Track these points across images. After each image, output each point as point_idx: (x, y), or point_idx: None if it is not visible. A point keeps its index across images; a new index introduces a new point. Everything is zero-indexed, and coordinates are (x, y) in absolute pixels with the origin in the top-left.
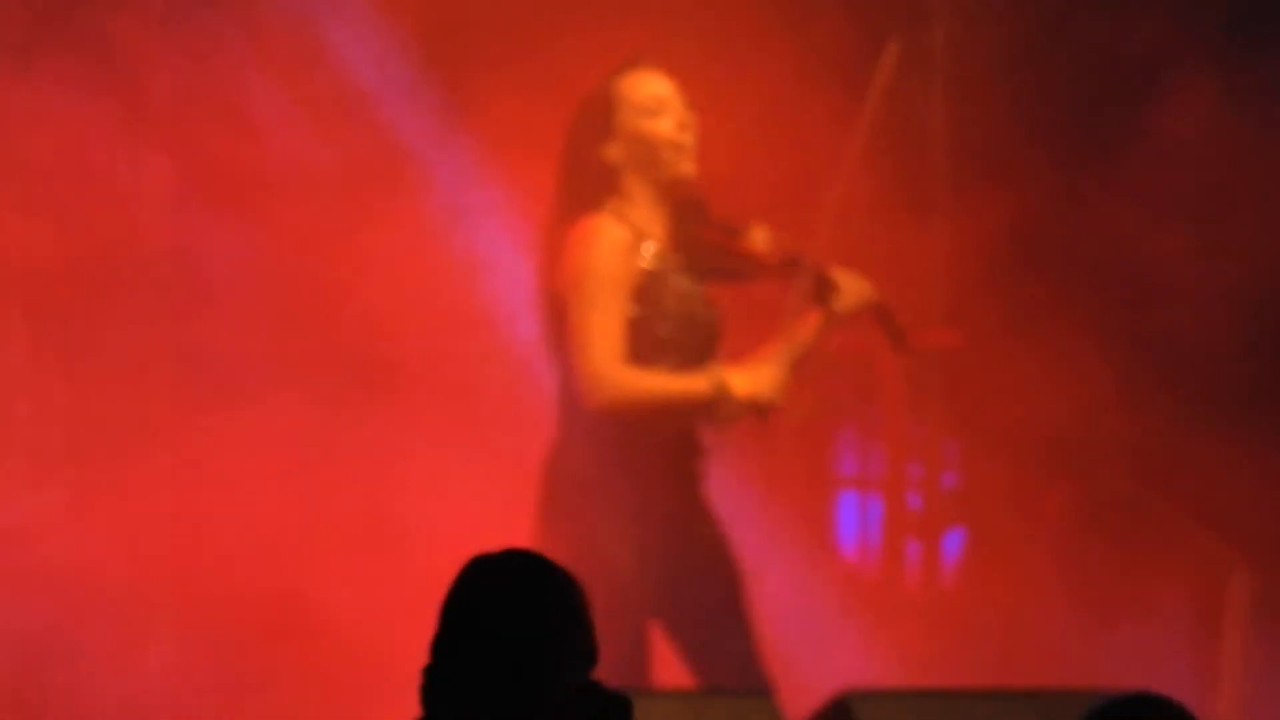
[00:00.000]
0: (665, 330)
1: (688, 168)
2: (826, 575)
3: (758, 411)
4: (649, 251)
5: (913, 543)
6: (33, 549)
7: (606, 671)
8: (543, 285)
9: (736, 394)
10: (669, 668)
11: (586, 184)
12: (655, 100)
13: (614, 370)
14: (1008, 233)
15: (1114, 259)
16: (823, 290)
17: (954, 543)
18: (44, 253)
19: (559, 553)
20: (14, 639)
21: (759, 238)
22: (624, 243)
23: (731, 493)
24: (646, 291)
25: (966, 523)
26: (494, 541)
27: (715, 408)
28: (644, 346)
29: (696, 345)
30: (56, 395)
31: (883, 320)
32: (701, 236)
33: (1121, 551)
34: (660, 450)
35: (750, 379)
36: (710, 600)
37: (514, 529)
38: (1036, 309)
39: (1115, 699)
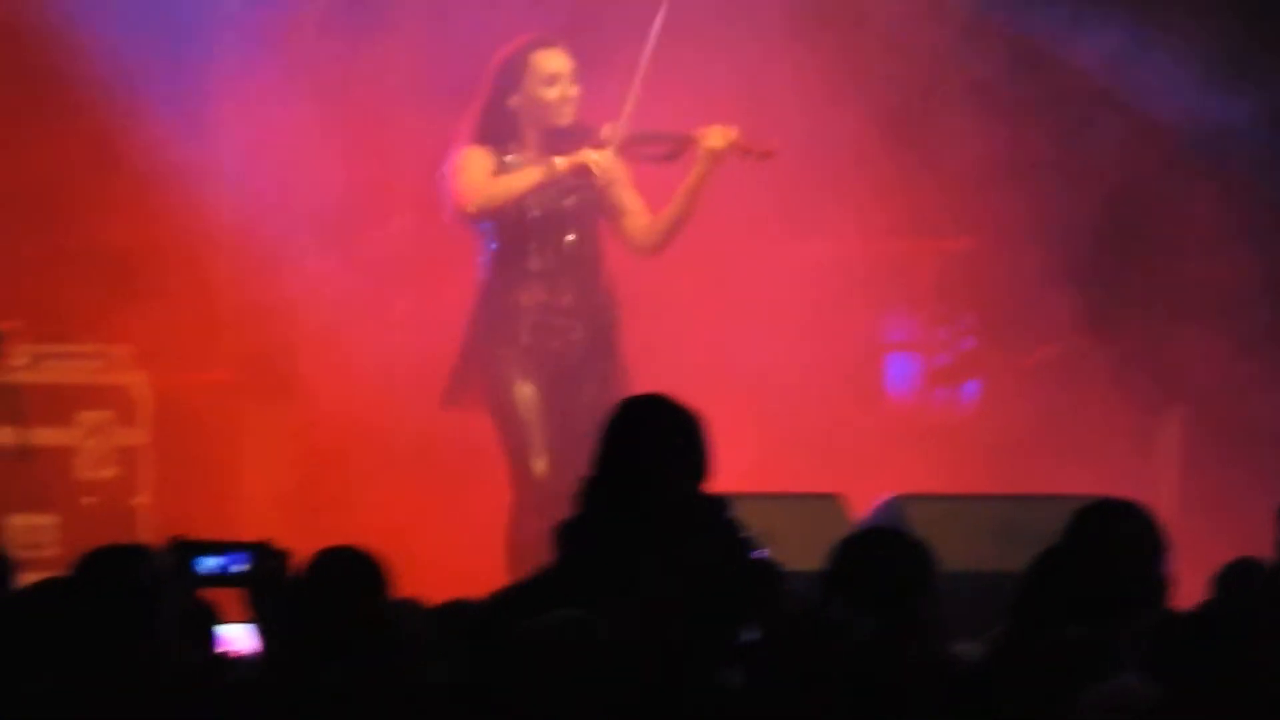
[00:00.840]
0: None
1: (564, 120)
2: (879, 412)
3: (585, 169)
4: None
5: (941, 389)
6: None
7: None
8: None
9: (559, 166)
10: None
11: (495, 120)
12: (552, 75)
13: (474, 187)
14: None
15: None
16: (683, 146)
17: (971, 389)
18: None
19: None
20: None
21: (603, 133)
22: (482, 152)
23: (812, 355)
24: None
25: (980, 375)
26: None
27: (549, 176)
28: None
29: (552, 216)
30: None
31: (746, 151)
32: (566, 150)
33: (1080, 390)
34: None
35: (571, 157)
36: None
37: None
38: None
39: (1095, 502)
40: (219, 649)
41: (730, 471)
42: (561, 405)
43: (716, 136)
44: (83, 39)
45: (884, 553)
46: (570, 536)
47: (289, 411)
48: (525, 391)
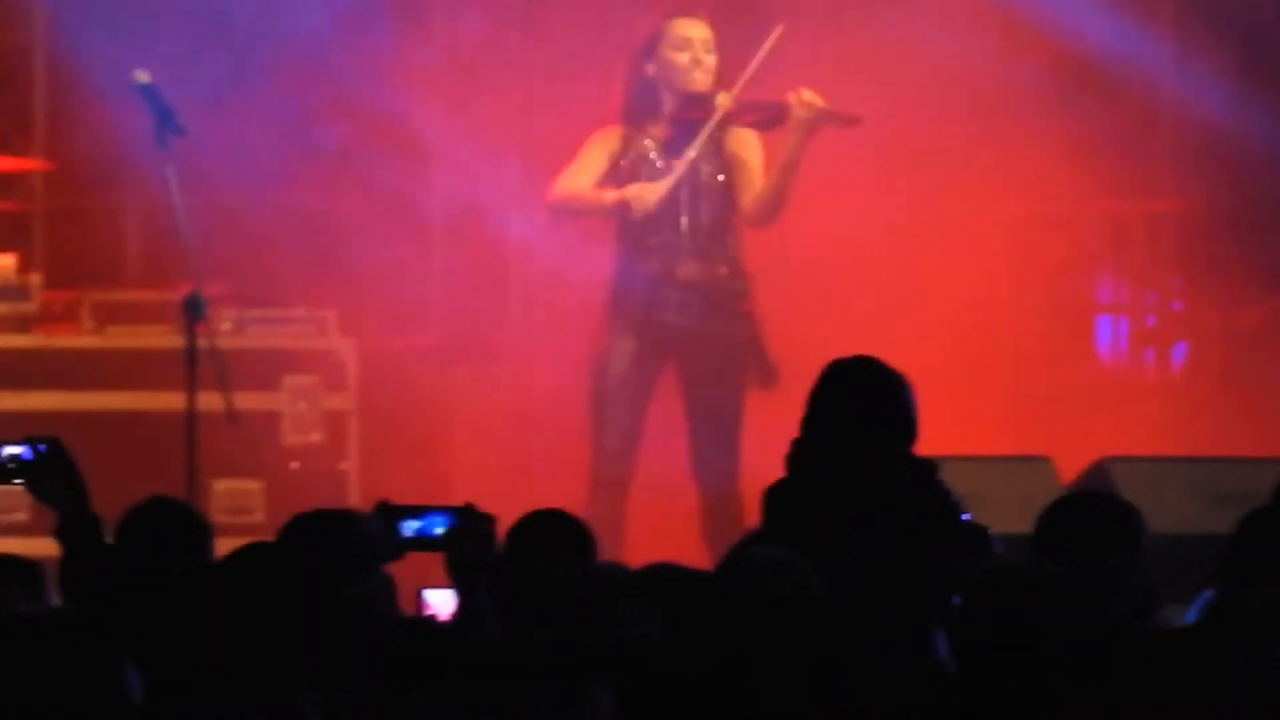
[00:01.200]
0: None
1: (696, 86)
2: (1088, 374)
3: (625, 207)
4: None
5: (1149, 350)
6: None
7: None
8: None
9: (605, 201)
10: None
11: (635, 90)
12: (684, 40)
13: (558, 185)
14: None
15: None
16: (780, 115)
17: (1179, 351)
18: None
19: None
20: None
21: (723, 98)
22: (613, 134)
23: (1021, 318)
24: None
25: (1189, 337)
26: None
27: (604, 204)
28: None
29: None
30: None
31: (831, 117)
32: (696, 118)
33: None
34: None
35: (618, 193)
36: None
37: None
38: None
39: None
40: (425, 613)
41: (939, 433)
42: (676, 379)
43: (802, 105)
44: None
45: (1094, 515)
46: (780, 499)
47: (498, 375)
48: (621, 365)
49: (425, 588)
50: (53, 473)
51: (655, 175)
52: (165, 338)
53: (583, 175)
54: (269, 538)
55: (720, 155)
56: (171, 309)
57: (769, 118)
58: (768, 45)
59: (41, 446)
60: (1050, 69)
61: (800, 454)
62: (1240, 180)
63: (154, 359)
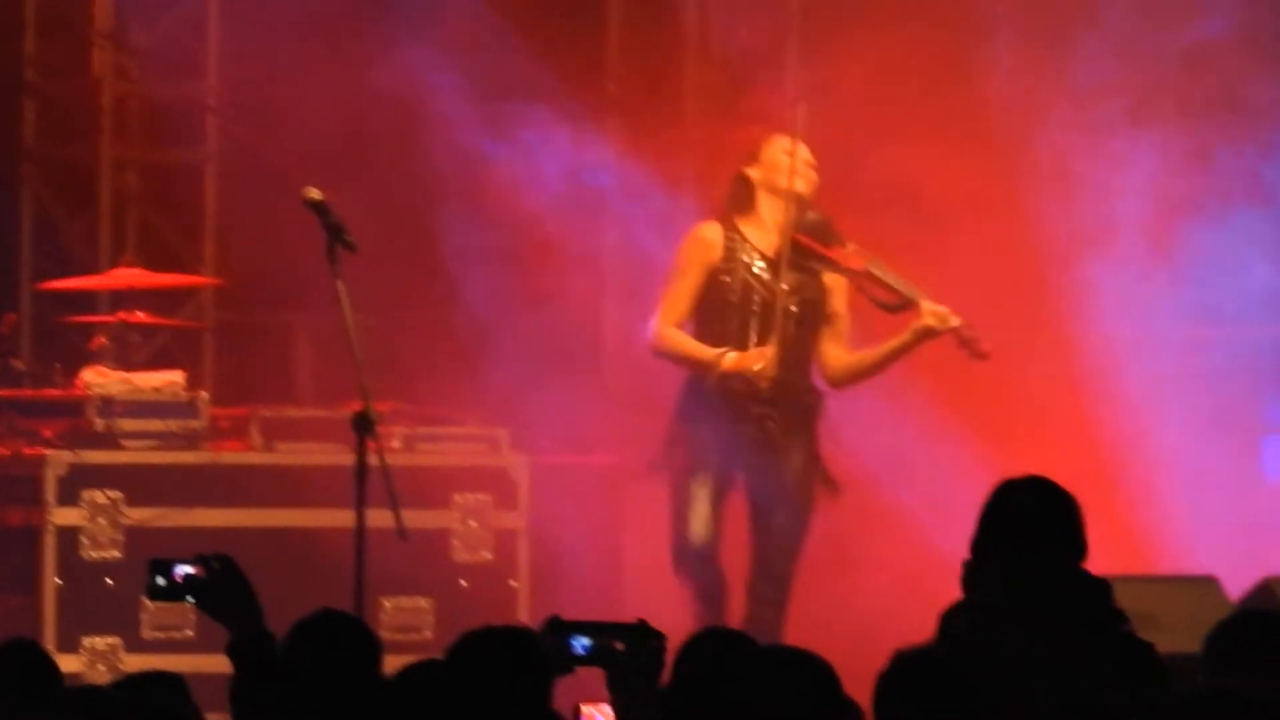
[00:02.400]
0: (729, 323)
1: (800, 187)
2: (1257, 495)
3: (747, 381)
4: (721, 242)
5: None
6: None
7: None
8: None
9: (723, 366)
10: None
11: (734, 190)
12: (788, 151)
13: (659, 326)
14: None
15: None
16: (906, 308)
17: None
18: None
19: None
20: None
21: (849, 251)
22: (704, 239)
23: (1189, 435)
24: (717, 289)
25: None
26: None
27: (711, 370)
28: (716, 305)
29: (757, 315)
30: None
31: (962, 340)
32: (800, 243)
33: None
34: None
35: (741, 357)
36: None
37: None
38: None
39: None
40: None
41: (1105, 552)
42: (751, 493)
43: (937, 318)
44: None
45: (1265, 633)
46: (957, 621)
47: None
48: (706, 475)
49: (583, 702)
50: (225, 591)
51: (727, 304)
52: (335, 455)
53: (682, 304)
54: (438, 655)
55: (816, 285)
56: (341, 426)
57: (896, 305)
58: None
59: (215, 564)
60: (1218, 185)
61: (975, 573)
62: None
63: (324, 476)
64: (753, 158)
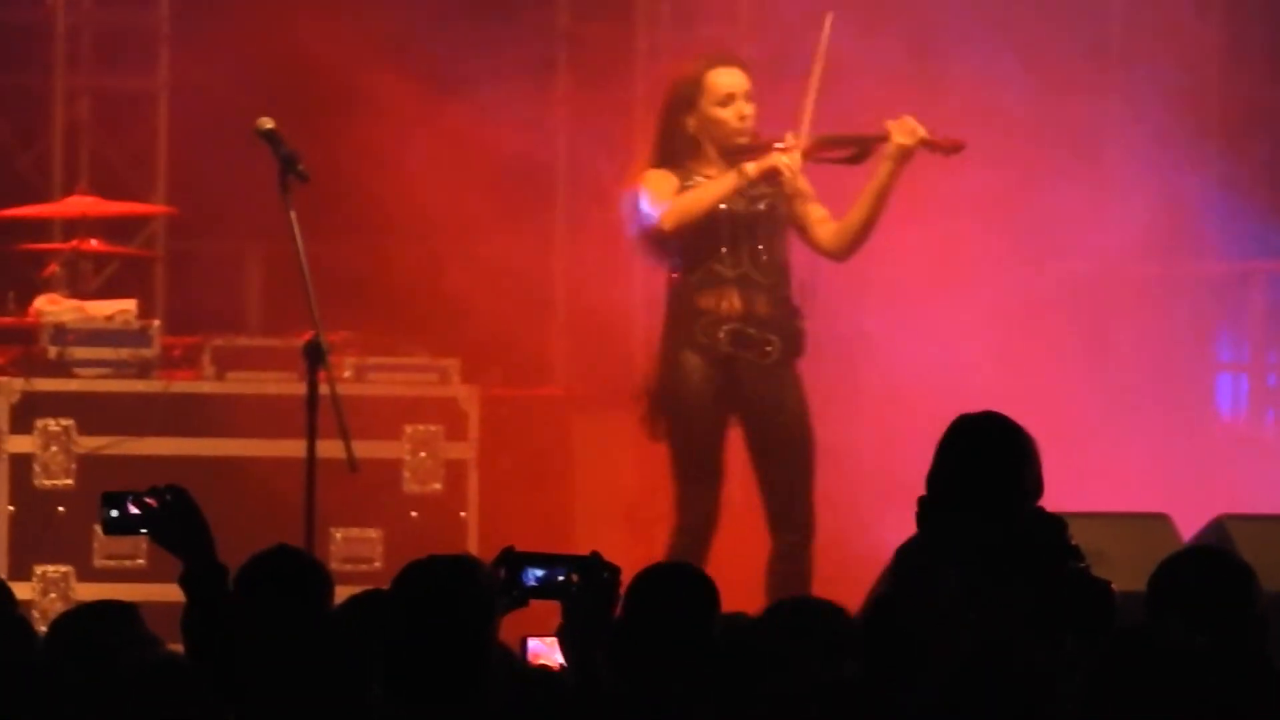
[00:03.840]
0: (721, 232)
1: (742, 139)
2: (1208, 431)
3: (775, 173)
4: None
5: (1271, 410)
6: None
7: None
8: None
9: (752, 174)
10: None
11: (673, 142)
12: (728, 94)
13: (664, 203)
14: None
15: None
16: (870, 147)
17: None
18: None
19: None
20: None
21: (793, 139)
22: (661, 175)
23: (1141, 372)
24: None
25: None
26: None
27: (740, 183)
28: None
29: (745, 233)
30: None
31: (935, 145)
32: (748, 153)
33: None
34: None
35: (760, 161)
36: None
37: None
38: None
39: None
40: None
41: (1058, 489)
42: (754, 418)
43: (905, 132)
44: None
45: (1207, 573)
46: (911, 558)
47: (623, 425)
48: (710, 414)
49: (530, 635)
50: (178, 522)
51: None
52: (286, 384)
53: (677, 193)
54: (387, 586)
55: (780, 190)
56: (293, 355)
57: (860, 152)
58: (818, 70)
59: (168, 495)
60: (1172, 125)
61: (928, 511)
62: None
63: (275, 405)
64: (690, 105)
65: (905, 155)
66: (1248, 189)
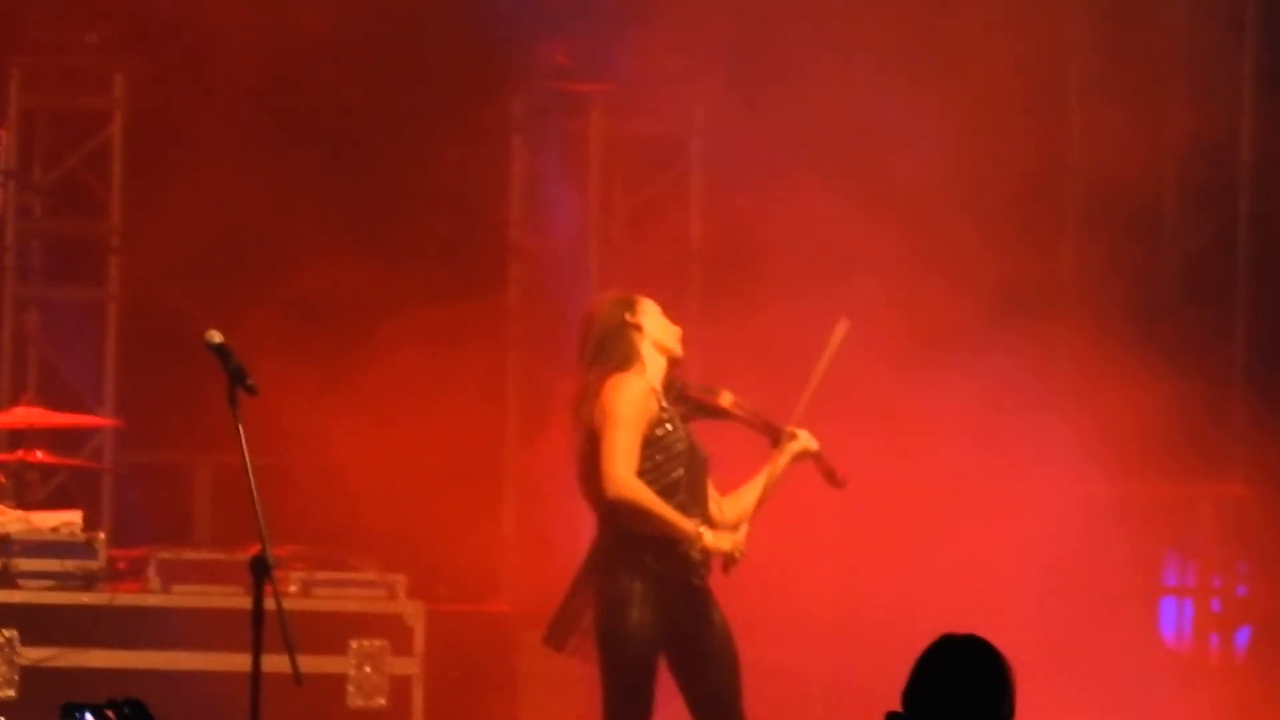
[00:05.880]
0: (677, 471)
1: (681, 351)
2: (1154, 656)
3: (722, 563)
4: (663, 399)
5: (1214, 634)
6: None
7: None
8: (577, 425)
9: (707, 545)
10: None
11: (616, 350)
12: (661, 312)
13: (630, 476)
14: None
15: None
16: (781, 439)
17: (1244, 636)
18: None
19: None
20: None
21: (727, 398)
22: (647, 391)
23: (1086, 594)
24: (662, 440)
25: (1253, 621)
26: None
27: (690, 545)
28: (663, 484)
29: (698, 478)
30: None
31: (819, 463)
32: (688, 395)
33: None
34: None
35: (719, 537)
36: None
37: None
38: None
39: None
40: None
41: None
42: (685, 637)
43: (808, 440)
44: None
45: None
46: None
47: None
48: (651, 645)
49: None
50: None
51: (676, 454)
52: (232, 598)
53: (636, 453)
54: None
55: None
56: (239, 568)
57: (771, 439)
58: (819, 374)
59: (126, 709)
60: (1126, 348)
61: None
62: None
63: (220, 619)
64: (629, 307)
65: (803, 457)
66: (1195, 413)
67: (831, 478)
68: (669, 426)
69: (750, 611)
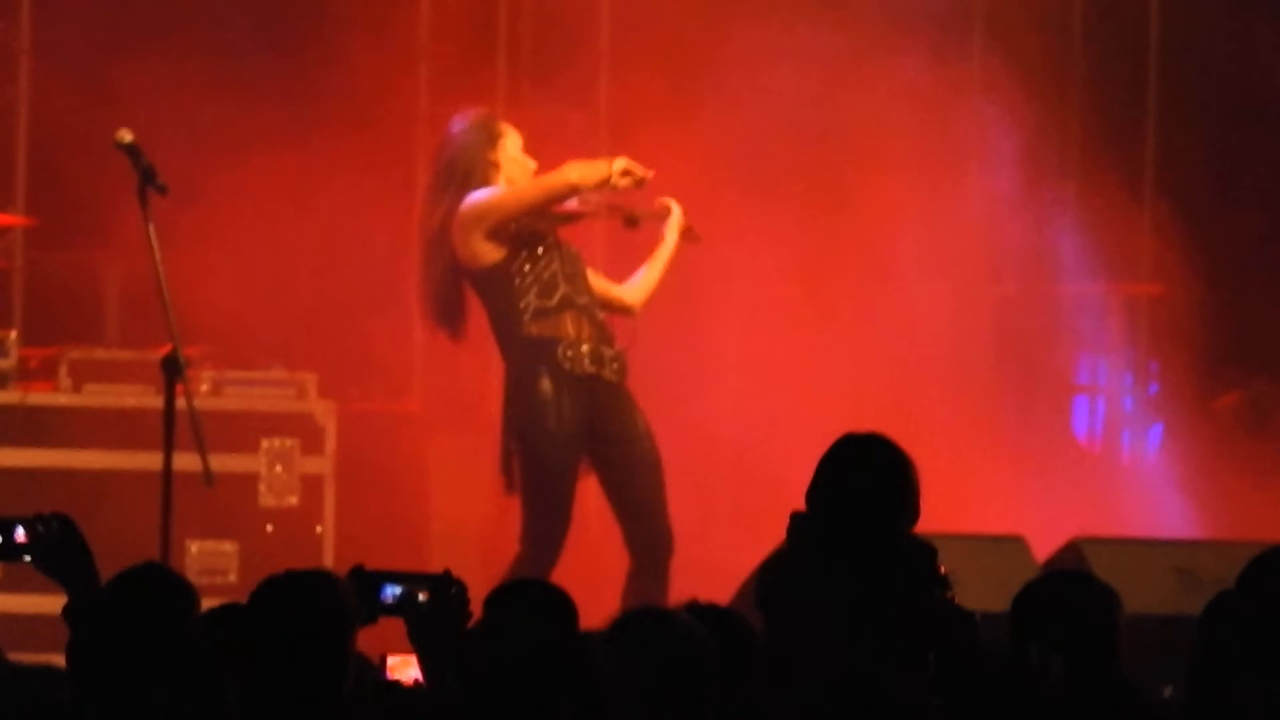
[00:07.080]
0: (553, 265)
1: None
2: (1066, 454)
3: (600, 180)
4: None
5: (1126, 432)
6: None
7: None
8: (431, 253)
9: (570, 176)
10: None
11: (473, 176)
12: (520, 147)
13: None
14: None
15: None
16: (652, 217)
17: (1155, 433)
18: None
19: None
20: None
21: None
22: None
23: (998, 393)
24: (525, 237)
25: (1165, 420)
26: None
27: (567, 188)
28: (542, 282)
29: (576, 270)
30: None
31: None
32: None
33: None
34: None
35: (590, 167)
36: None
37: None
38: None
39: (1272, 549)
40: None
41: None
42: (609, 441)
43: (676, 214)
44: None
45: (1071, 597)
46: (777, 576)
47: (479, 444)
48: (573, 449)
49: (389, 653)
50: (64, 552)
51: (548, 247)
52: (143, 397)
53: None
54: (242, 599)
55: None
56: (150, 368)
57: (625, 221)
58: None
59: (54, 524)
60: (1034, 149)
61: (801, 528)
62: (1218, 265)
63: (131, 418)
64: (492, 141)
65: (678, 232)
66: (1106, 211)
67: (689, 233)
68: (526, 222)
69: (657, 421)
